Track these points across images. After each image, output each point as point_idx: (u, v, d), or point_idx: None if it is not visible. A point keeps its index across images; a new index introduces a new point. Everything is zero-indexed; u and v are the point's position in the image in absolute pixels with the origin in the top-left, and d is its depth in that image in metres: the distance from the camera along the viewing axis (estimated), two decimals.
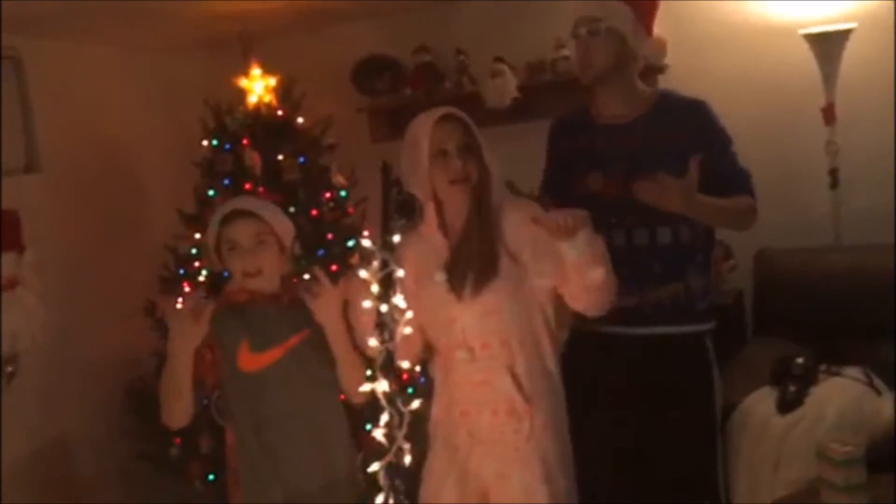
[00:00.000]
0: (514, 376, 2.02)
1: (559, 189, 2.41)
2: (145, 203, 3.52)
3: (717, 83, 3.28)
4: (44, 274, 2.71)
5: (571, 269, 1.93)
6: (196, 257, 3.13)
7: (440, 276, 2.01)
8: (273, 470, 2.07)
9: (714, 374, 2.32)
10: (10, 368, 2.69)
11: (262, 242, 2.10)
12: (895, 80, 3.22)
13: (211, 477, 3.00)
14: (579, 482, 2.10)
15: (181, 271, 3.17)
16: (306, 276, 2.89)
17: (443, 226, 2.08)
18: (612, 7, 2.25)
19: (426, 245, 2.08)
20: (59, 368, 2.94)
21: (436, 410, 2.14)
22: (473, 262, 2.01)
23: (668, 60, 3.46)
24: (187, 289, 3.05)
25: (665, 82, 3.31)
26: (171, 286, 3.14)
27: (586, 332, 2.32)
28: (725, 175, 2.22)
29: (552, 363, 2.08)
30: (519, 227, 2.01)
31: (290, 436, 2.07)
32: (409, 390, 1.94)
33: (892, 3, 3.24)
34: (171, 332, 1.98)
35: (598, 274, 1.91)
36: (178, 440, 2.96)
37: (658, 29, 3.15)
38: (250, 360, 2.06)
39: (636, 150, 2.25)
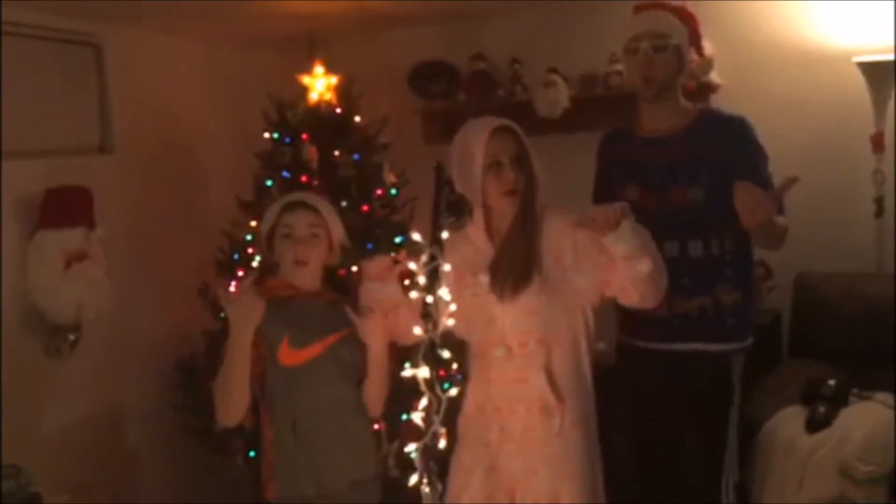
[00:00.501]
0: (549, 375, 2.08)
1: (603, 200, 2.49)
2: (206, 189, 3.68)
3: (769, 107, 3.33)
4: (109, 250, 2.86)
5: (620, 262, 1.98)
6: (251, 243, 3.27)
7: (484, 278, 2.09)
8: (306, 463, 2.13)
9: (735, 396, 2.35)
10: (72, 337, 2.85)
11: (315, 235, 2.20)
12: None
13: (251, 453, 3.13)
14: (607, 482, 2.19)
15: (236, 256, 3.30)
16: (354, 269, 3.03)
17: (489, 229, 2.18)
18: (677, 25, 2.33)
19: (471, 247, 2.17)
20: (116, 341, 3.09)
21: (467, 406, 2.21)
22: (515, 264, 2.09)
23: (721, 82, 3.51)
24: (241, 273, 3.19)
25: (717, 103, 3.36)
26: (225, 270, 3.28)
27: (623, 344, 2.42)
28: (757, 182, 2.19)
29: (586, 364, 2.15)
30: (560, 230, 2.09)
31: (324, 431, 2.14)
32: (446, 385, 2.03)
33: None
34: (231, 319, 2.04)
35: (646, 264, 1.96)
36: None
37: (714, 50, 3.24)
38: (290, 355, 2.13)
39: (673, 163, 2.31)
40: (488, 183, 2.10)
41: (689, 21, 2.38)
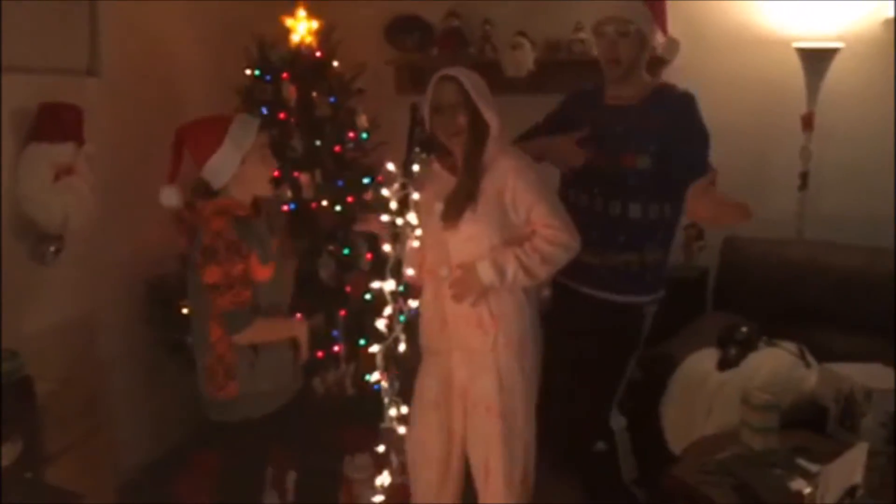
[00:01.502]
0: (484, 295, 2.35)
1: (545, 132, 2.75)
2: (188, 118, 3.83)
3: (715, 82, 3.64)
4: (94, 167, 3.03)
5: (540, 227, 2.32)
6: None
7: (439, 206, 2.35)
8: (267, 363, 2.34)
9: (640, 339, 2.70)
10: (55, 247, 3.01)
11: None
12: (873, 99, 3.58)
13: None
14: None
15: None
16: (324, 202, 3.26)
17: (454, 165, 2.44)
18: (640, 10, 2.56)
19: (438, 179, 2.43)
20: (94, 254, 3.25)
21: (423, 319, 2.50)
22: (458, 197, 2.33)
23: (678, 56, 3.79)
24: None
25: (668, 75, 3.65)
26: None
27: (555, 281, 2.72)
28: (696, 167, 2.52)
29: (520, 291, 2.40)
30: (505, 171, 2.33)
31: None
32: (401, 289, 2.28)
33: (876, 29, 3.59)
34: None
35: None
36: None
37: (671, 27, 3.51)
38: (261, 271, 2.30)
39: (627, 131, 2.58)
40: (435, 125, 2.33)
41: (654, 4, 2.62)
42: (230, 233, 2.25)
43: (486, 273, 2.28)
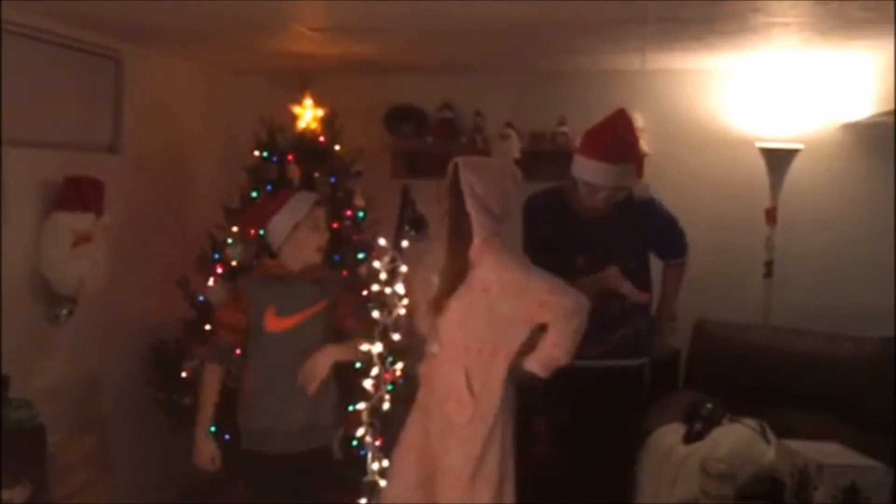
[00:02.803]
0: (467, 375, 2.49)
1: (546, 260, 2.85)
2: (197, 194, 4.10)
3: (685, 175, 3.96)
4: (109, 236, 3.27)
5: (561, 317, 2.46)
6: (231, 246, 3.71)
7: (435, 278, 2.55)
8: (269, 405, 2.61)
9: (645, 398, 3.02)
10: (67, 309, 3.22)
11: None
12: (832, 195, 3.88)
13: (212, 429, 3.53)
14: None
15: (216, 255, 3.73)
16: None
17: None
18: (631, 172, 2.87)
19: (439, 258, 2.57)
20: (103, 317, 3.46)
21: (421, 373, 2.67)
22: (445, 283, 2.51)
23: (649, 151, 4.09)
24: (219, 270, 3.62)
25: (645, 171, 3.93)
26: (205, 266, 3.71)
27: None
28: (672, 245, 3.02)
29: (502, 373, 2.51)
30: (491, 268, 2.47)
31: (291, 382, 2.59)
32: (390, 359, 2.49)
33: (834, 132, 3.92)
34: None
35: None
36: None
37: (644, 122, 3.83)
38: (275, 323, 2.62)
39: (612, 240, 2.93)
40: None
41: (639, 162, 3.00)
42: (243, 286, 2.69)
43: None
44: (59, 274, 3.07)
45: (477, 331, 2.50)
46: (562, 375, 2.87)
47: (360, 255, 3.75)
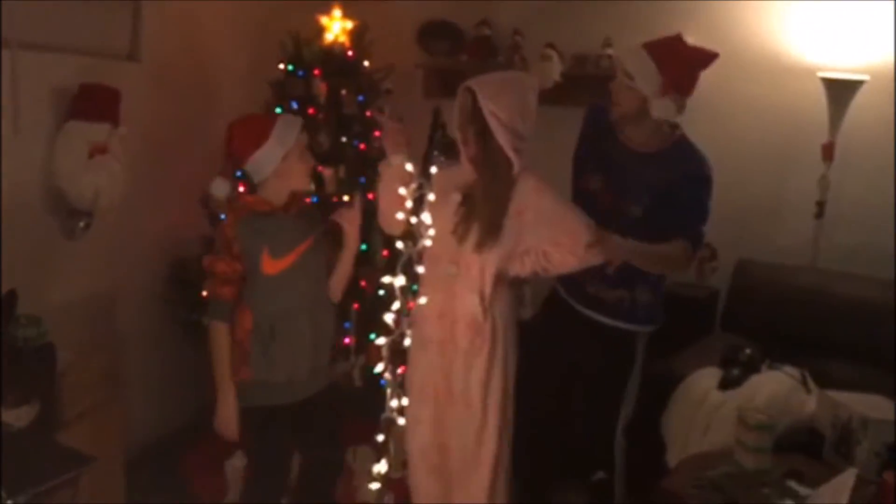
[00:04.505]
0: (481, 298, 2.44)
1: (578, 173, 2.82)
2: (220, 108, 3.93)
3: (738, 108, 3.72)
4: (127, 148, 3.14)
5: (582, 248, 2.38)
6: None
7: (455, 198, 2.42)
8: (281, 356, 2.45)
9: (636, 366, 2.78)
10: (84, 223, 3.13)
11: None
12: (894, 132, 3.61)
13: None
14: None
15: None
16: (346, 198, 3.35)
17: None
18: (644, 69, 2.58)
19: (459, 174, 2.46)
20: (120, 233, 3.37)
21: (418, 311, 2.47)
22: (481, 223, 2.40)
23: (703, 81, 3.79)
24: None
25: (692, 100, 3.67)
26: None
27: (560, 298, 2.83)
28: (681, 226, 2.59)
29: (508, 299, 2.51)
30: (529, 191, 2.40)
31: (298, 328, 2.47)
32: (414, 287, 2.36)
33: None
34: None
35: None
36: None
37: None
38: (271, 265, 2.43)
39: (633, 177, 2.66)
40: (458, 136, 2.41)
41: (669, 71, 2.58)
42: (230, 231, 2.41)
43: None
44: (75, 186, 2.98)
45: (496, 256, 2.43)
46: (558, 313, 2.84)
47: None
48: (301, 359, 2.49)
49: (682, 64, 2.61)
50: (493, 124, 2.29)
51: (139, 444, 3.46)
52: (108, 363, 2.82)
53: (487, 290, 2.46)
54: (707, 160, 2.65)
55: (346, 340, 3.41)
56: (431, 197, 2.27)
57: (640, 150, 2.67)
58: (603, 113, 2.76)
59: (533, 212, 2.38)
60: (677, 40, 2.66)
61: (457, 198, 2.42)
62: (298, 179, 2.51)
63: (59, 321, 2.85)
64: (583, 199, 2.69)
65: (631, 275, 2.63)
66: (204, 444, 3.40)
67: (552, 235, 2.41)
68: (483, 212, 2.40)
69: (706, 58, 2.64)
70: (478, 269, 2.44)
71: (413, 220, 2.24)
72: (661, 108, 2.59)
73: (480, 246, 2.40)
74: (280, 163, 2.44)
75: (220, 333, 2.44)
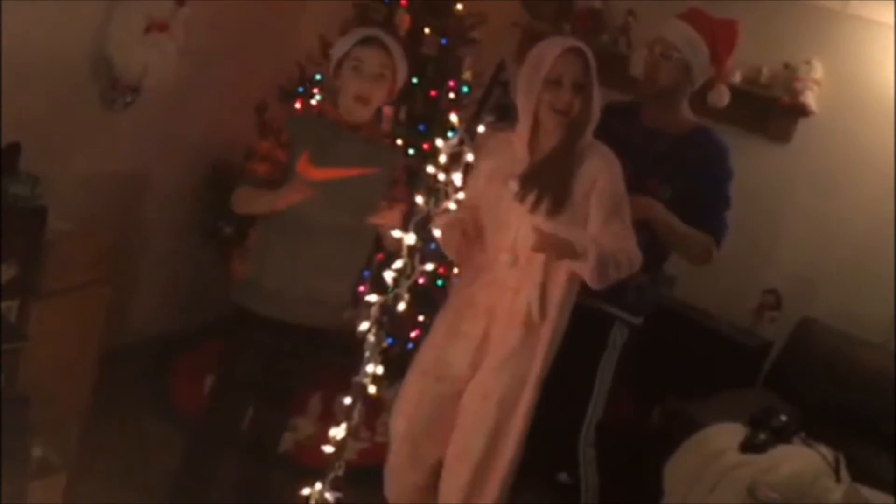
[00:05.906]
0: (543, 293, 2.24)
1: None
2: (296, 21, 3.78)
3: (848, 143, 3.39)
4: (189, 32, 2.98)
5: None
6: (318, 83, 3.37)
7: (513, 185, 2.21)
8: (279, 260, 2.27)
9: (606, 353, 2.57)
10: (129, 98, 3.00)
11: (381, 76, 2.29)
12: None
13: None
14: None
15: (300, 89, 3.42)
16: (399, 142, 3.13)
17: (531, 143, 2.27)
18: (691, 41, 2.48)
19: (510, 153, 2.28)
20: (164, 119, 3.23)
21: (457, 297, 2.38)
22: (552, 185, 2.20)
23: (816, 109, 3.42)
24: (297, 105, 3.30)
25: (805, 127, 3.30)
26: (286, 97, 3.40)
27: None
28: (705, 214, 2.48)
29: (568, 294, 2.30)
30: (597, 170, 2.22)
31: (314, 248, 2.28)
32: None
33: None
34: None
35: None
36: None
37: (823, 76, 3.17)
38: (306, 169, 2.20)
39: (658, 159, 2.49)
40: (543, 97, 2.19)
41: (715, 41, 2.50)
42: (279, 120, 2.34)
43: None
44: (124, 58, 2.85)
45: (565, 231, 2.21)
46: None
47: (450, 135, 3.36)
48: (302, 277, 2.30)
49: (726, 33, 2.55)
50: (595, 91, 2.22)
51: (135, 335, 3.36)
52: (110, 244, 2.67)
53: (552, 283, 2.26)
54: (728, 148, 2.56)
55: (361, 288, 3.21)
56: (470, 157, 2.04)
57: (662, 133, 2.55)
58: (626, 110, 2.65)
59: (597, 194, 2.23)
60: (734, 28, 2.57)
61: (513, 185, 2.22)
62: (345, 95, 2.30)
63: (70, 189, 2.75)
64: None
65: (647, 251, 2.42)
66: (203, 348, 3.30)
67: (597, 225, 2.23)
68: (557, 171, 2.22)
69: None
70: (539, 261, 2.23)
71: (441, 176, 2.01)
72: (717, 97, 2.60)
73: (553, 211, 2.20)
74: (336, 69, 2.32)
75: (244, 190, 2.31)
